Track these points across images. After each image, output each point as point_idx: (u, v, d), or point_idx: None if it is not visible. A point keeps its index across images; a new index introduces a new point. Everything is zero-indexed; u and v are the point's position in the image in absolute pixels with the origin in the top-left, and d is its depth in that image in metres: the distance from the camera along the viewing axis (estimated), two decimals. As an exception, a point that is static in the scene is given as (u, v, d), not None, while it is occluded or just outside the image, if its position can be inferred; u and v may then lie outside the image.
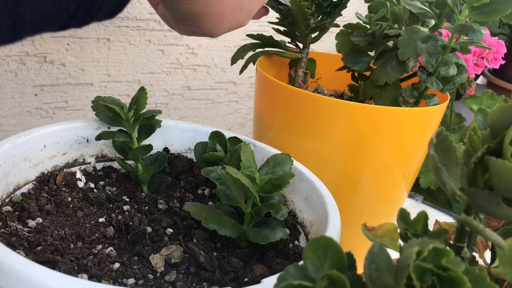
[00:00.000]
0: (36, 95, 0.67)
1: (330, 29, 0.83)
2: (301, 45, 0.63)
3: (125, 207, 0.42)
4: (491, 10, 0.46)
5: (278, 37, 0.63)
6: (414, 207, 0.79)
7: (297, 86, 0.62)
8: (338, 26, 0.62)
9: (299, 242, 0.41)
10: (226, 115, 0.92)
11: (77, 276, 0.32)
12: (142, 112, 0.45)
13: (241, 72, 0.62)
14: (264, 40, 0.62)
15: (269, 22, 0.62)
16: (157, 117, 0.46)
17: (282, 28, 0.62)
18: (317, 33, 0.61)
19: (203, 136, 0.49)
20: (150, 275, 0.33)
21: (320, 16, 0.59)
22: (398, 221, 0.27)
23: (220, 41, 0.83)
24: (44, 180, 0.42)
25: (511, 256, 0.26)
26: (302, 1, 0.53)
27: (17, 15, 0.23)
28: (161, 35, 0.74)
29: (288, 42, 0.63)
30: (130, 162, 0.48)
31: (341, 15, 0.59)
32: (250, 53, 0.63)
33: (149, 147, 0.45)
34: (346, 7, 0.59)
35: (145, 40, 0.74)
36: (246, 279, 0.34)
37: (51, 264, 0.32)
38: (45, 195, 0.40)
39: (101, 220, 0.39)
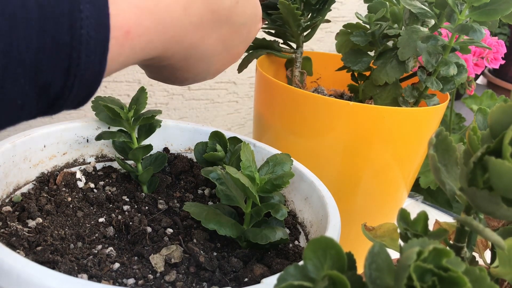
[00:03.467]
0: (36, 95, 0.67)
1: (330, 29, 0.83)
2: (294, 45, 0.63)
3: (125, 207, 0.42)
4: (491, 10, 0.46)
5: (271, 38, 0.63)
6: (414, 207, 0.79)
7: (295, 86, 0.62)
8: (328, 21, 0.62)
9: (299, 242, 0.41)
10: (226, 115, 0.92)
11: (77, 276, 0.32)
12: (142, 112, 0.45)
13: (239, 71, 0.62)
14: (257, 42, 0.62)
15: None
16: (157, 117, 0.46)
17: (272, 30, 0.62)
18: (308, 31, 0.61)
19: (203, 136, 0.49)
20: (150, 275, 0.33)
21: (310, 14, 0.59)
22: (398, 221, 0.27)
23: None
24: (44, 180, 0.42)
25: (511, 256, 0.26)
26: (291, 4, 0.53)
27: None
28: (161, 35, 0.74)
29: (281, 43, 0.63)
30: (130, 162, 0.48)
31: (330, 10, 0.59)
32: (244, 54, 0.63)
33: (149, 147, 0.45)
34: (334, 1, 0.59)
35: (145, 40, 0.73)
36: (246, 279, 0.34)
37: (51, 264, 0.32)
38: (45, 195, 0.40)
39: (101, 220, 0.39)
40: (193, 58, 0.37)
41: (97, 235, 0.37)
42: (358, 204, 0.56)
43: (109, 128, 0.46)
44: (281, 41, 0.63)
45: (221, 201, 0.40)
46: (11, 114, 0.25)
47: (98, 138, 0.44)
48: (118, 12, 0.27)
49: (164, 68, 0.37)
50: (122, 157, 0.46)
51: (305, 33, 0.61)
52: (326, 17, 0.61)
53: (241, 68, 0.63)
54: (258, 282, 0.30)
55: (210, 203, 0.45)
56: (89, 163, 0.46)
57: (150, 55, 0.32)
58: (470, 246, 0.28)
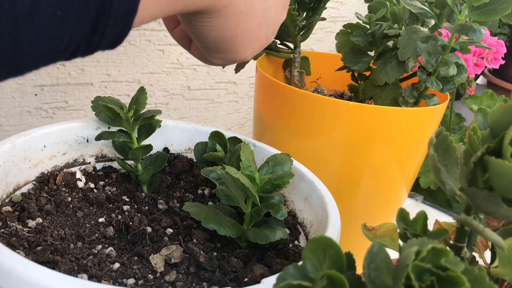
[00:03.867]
0: (36, 95, 0.67)
1: (330, 29, 0.83)
2: (291, 45, 0.63)
3: (125, 207, 0.42)
4: (491, 10, 0.46)
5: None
6: (414, 207, 0.79)
7: (294, 85, 0.62)
8: (324, 19, 0.62)
9: (299, 242, 0.41)
10: (226, 115, 0.92)
11: (77, 276, 0.32)
12: (142, 112, 0.45)
13: (237, 71, 0.62)
14: None
15: None
16: (157, 117, 0.46)
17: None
18: (305, 31, 0.61)
19: (203, 136, 0.49)
20: (150, 275, 0.33)
21: (305, 13, 0.59)
22: (397, 221, 0.27)
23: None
24: (44, 180, 0.42)
25: (511, 256, 0.26)
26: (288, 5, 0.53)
27: (15, 62, 0.24)
28: (161, 35, 0.74)
29: (278, 44, 0.63)
30: (130, 162, 0.48)
31: (325, 8, 0.59)
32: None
33: (149, 147, 0.45)
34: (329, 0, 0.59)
35: (145, 40, 0.74)
36: (246, 279, 0.34)
37: (51, 264, 0.32)
38: (45, 195, 0.40)
39: (101, 220, 0.40)
40: None
41: (97, 235, 0.37)
42: (358, 204, 0.56)
43: (109, 128, 0.46)
44: (278, 42, 0.63)
45: (221, 201, 0.40)
46: (52, 30, 0.23)
47: (98, 138, 0.44)
48: None
49: (228, 18, 0.34)
50: (122, 157, 0.46)
51: (301, 33, 0.61)
52: (324, 16, 0.61)
53: (238, 68, 0.63)
54: (258, 282, 0.30)
55: (210, 203, 0.45)
56: (89, 163, 0.47)
57: None
58: (470, 246, 0.28)
